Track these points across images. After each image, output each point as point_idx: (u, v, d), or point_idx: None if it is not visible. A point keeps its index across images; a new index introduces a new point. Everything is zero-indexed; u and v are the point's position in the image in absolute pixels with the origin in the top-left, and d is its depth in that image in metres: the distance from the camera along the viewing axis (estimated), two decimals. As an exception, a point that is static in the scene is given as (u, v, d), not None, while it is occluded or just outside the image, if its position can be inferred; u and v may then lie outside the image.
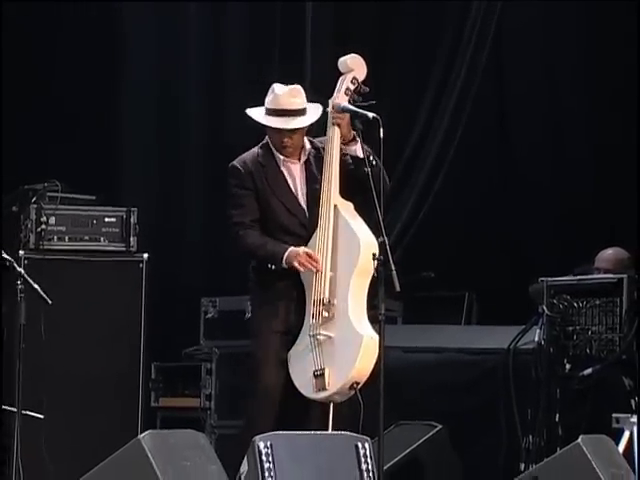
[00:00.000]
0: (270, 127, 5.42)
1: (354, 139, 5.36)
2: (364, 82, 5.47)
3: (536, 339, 6.15)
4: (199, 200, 7.94)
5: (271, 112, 5.41)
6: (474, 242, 7.63)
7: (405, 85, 7.79)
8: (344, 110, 5.39)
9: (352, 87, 5.44)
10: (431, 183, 7.69)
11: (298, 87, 5.48)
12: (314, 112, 5.45)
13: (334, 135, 5.39)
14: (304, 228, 5.43)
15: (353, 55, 5.50)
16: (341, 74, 5.48)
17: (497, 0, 7.71)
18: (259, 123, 5.43)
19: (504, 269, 7.58)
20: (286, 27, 7.97)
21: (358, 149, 5.34)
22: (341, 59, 5.50)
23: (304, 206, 5.46)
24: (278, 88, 5.44)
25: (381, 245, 5.13)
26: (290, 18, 7.96)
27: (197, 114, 8.02)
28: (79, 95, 7.63)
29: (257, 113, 5.45)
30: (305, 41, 7.87)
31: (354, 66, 5.47)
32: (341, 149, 5.39)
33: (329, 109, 5.42)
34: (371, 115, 5.28)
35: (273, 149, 5.48)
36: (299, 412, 5.32)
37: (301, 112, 5.40)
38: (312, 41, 7.86)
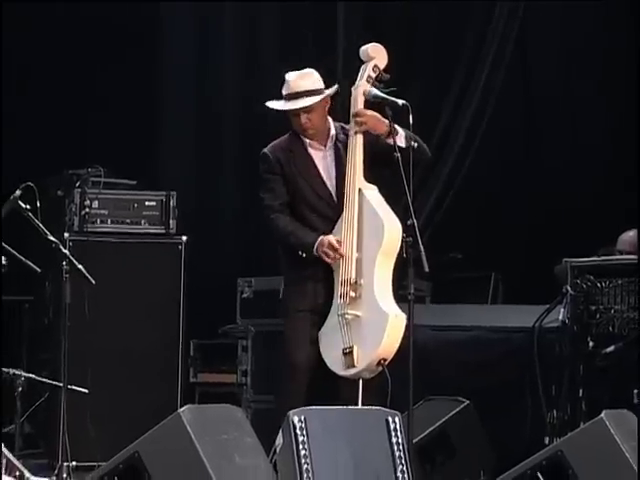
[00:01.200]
0: (280, 110, 5.41)
1: (394, 131, 5.29)
2: (385, 70, 5.44)
3: (560, 318, 6.13)
4: (235, 185, 7.96)
5: (284, 97, 5.43)
6: (500, 225, 7.62)
7: (433, 74, 7.75)
8: (375, 97, 5.37)
9: (374, 75, 5.42)
10: (458, 168, 7.68)
11: (309, 70, 5.47)
12: (329, 90, 5.44)
13: (358, 139, 5.36)
14: (331, 209, 5.42)
15: (374, 44, 5.48)
16: (362, 62, 5.45)
17: (520, 0, 7.66)
18: (276, 110, 5.42)
19: (529, 250, 7.57)
20: (319, 27, 7.94)
21: (399, 140, 5.28)
22: (362, 48, 5.48)
23: (331, 189, 5.45)
24: (289, 75, 5.45)
25: (410, 227, 5.12)
26: (322, 18, 7.93)
27: (233, 101, 8.01)
28: (120, 82, 7.63)
29: (276, 103, 5.45)
30: (337, 40, 7.83)
31: (375, 54, 5.45)
32: (379, 140, 5.35)
33: (368, 90, 5.36)
34: (401, 102, 5.26)
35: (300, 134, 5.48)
36: (330, 388, 5.33)
37: (311, 93, 5.39)
38: (344, 40, 7.81)
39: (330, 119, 5.50)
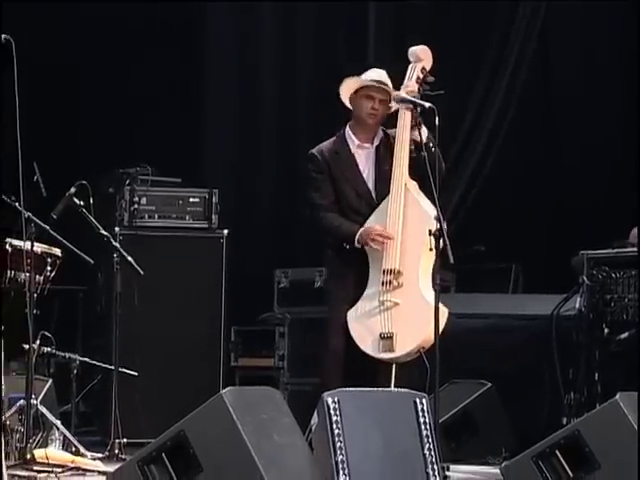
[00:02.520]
0: (366, 87, 5.39)
1: (418, 124, 5.30)
2: (430, 72, 5.44)
3: (577, 306, 6.11)
4: (272, 183, 7.95)
5: (366, 83, 5.41)
6: (521, 219, 7.60)
7: (459, 73, 7.63)
8: (402, 100, 5.37)
9: (421, 76, 5.42)
10: (481, 166, 7.64)
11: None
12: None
13: (406, 121, 5.35)
14: (371, 208, 5.43)
15: (423, 46, 5.48)
16: (409, 63, 5.46)
17: (542, 0, 7.59)
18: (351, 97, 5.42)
19: (548, 243, 7.54)
20: (352, 26, 7.90)
21: (419, 134, 5.29)
22: (411, 49, 5.47)
23: (371, 189, 5.46)
24: (372, 69, 5.48)
25: (436, 221, 5.11)
26: (355, 18, 7.89)
27: (271, 103, 7.99)
28: (167, 86, 7.63)
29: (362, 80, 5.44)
30: (368, 40, 7.79)
31: (423, 56, 5.45)
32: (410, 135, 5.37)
33: (394, 94, 5.36)
34: (427, 105, 5.24)
35: (347, 136, 5.47)
36: (366, 374, 5.33)
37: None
38: (375, 40, 7.78)
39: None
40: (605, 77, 7.54)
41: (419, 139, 5.29)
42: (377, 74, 5.49)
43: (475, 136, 7.73)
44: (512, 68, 7.65)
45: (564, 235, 7.36)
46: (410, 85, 5.39)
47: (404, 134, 5.37)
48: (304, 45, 8.02)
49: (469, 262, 6.94)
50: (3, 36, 3.96)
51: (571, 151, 7.63)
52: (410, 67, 5.43)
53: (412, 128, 5.33)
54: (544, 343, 6.19)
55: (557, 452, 4.76)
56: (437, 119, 5.12)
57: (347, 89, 5.47)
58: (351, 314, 5.36)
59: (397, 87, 5.46)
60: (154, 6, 7.58)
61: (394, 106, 5.42)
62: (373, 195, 5.45)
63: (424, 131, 5.29)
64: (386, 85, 5.46)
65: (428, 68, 5.44)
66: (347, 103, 5.49)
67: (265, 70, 8.01)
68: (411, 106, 5.32)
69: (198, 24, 7.84)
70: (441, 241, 5.04)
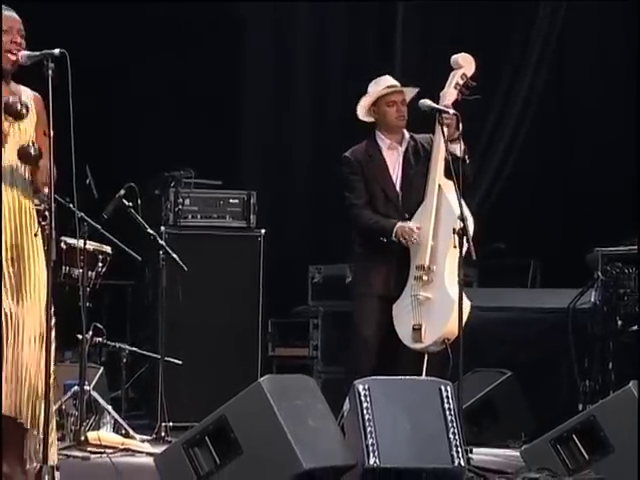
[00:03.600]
0: (384, 95, 5.39)
1: (458, 139, 5.27)
2: (472, 78, 5.39)
3: (592, 300, 6.08)
4: (306, 184, 7.95)
5: (384, 92, 5.40)
6: (539, 218, 7.55)
7: (482, 72, 7.59)
8: (428, 107, 5.32)
9: (461, 82, 5.38)
10: (503, 166, 7.59)
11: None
12: (411, 95, 5.46)
13: (442, 130, 5.29)
14: (397, 212, 5.42)
15: (464, 54, 5.43)
16: (451, 69, 5.43)
17: (562, 0, 7.41)
18: (371, 105, 5.43)
19: (564, 241, 7.49)
20: (381, 26, 7.79)
21: (458, 149, 5.25)
22: (453, 57, 5.42)
23: (399, 190, 5.45)
24: (385, 76, 5.47)
25: (461, 222, 5.10)
26: (384, 18, 7.78)
27: (303, 107, 7.94)
28: (208, 94, 7.64)
29: (382, 87, 5.44)
30: (396, 39, 7.69)
31: (464, 63, 5.40)
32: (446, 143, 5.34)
33: (420, 102, 5.31)
34: (451, 112, 5.23)
35: (378, 139, 5.45)
36: (393, 364, 5.33)
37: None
38: (402, 39, 7.66)
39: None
40: (619, 77, 7.42)
41: (457, 153, 5.24)
42: (385, 80, 5.47)
43: (497, 135, 7.64)
44: (533, 68, 7.52)
45: (580, 233, 7.31)
46: (449, 92, 5.35)
47: (441, 144, 5.32)
48: (335, 46, 7.91)
49: (490, 259, 6.92)
50: (58, 50, 3.99)
51: (585, 151, 7.54)
52: (451, 74, 5.38)
53: (452, 142, 5.28)
54: (561, 334, 6.16)
55: (574, 436, 4.74)
56: (460, 125, 5.10)
57: (365, 105, 5.44)
58: (394, 307, 5.37)
59: (431, 91, 5.42)
60: (193, 12, 7.51)
61: (448, 102, 5.34)
62: (400, 199, 5.44)
63: (461, 146, 5.25)
64: (400, 87, 5.44)
65: (469, 74, 5.37)
66: (366, 118, 5.47)
67: (298, 74, 7.93)
68: (449, 121, 5.26)
69: (238, 27, 7.75)
70: (464, 239, 5.03)
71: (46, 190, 4.02)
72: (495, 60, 7.59)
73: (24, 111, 4.00)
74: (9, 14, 4.08)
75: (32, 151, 3.98)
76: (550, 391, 6.20)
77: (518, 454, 5.10)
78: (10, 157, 4.05)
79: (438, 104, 5.31)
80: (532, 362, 6.27)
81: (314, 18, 7.91)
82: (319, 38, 7.95)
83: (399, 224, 5.32)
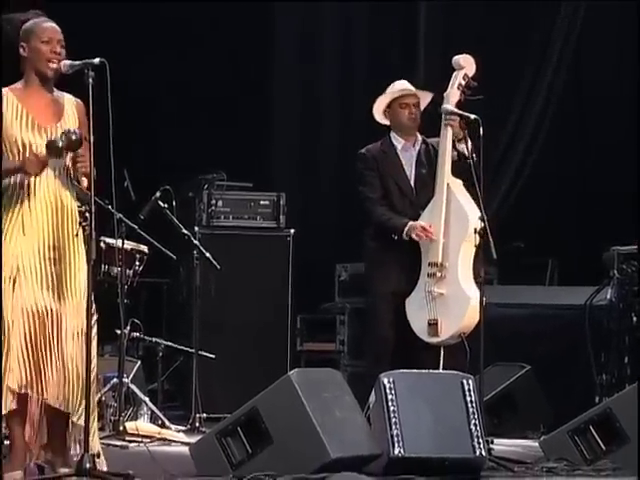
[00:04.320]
0: (402, 96, 5.40)
1: (464, 138, 5.28)
2: (473, 78, 5.37)
3: (608, 297, 6.05)
4: (332, 186, 7.93)
5: (397, 94, 5.41)
6: (557, 218, 7.51)
7: (502, 74, 7.40)
8: (450, 113, 5.33)
9: (463, 82, 5.36)
10: (522, 167, 7.52)
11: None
12: (426, 98, 5.45)
13: (448, 133, 5.31)
14: (412, 206, 5.41)
15: (465, 55, 5.41)
16: (454, 70, 5.40)
17: (582, 0, 7.26)
18: (386, 108, 5.43)
19: (581, 240, 7.44)
20: (404, 26, 7.71)
21: (465, 148, 5.26)
22: (454, 58, 5.40)
23: (414, 189, 5.44)
24: (395, 85, 5.46)
25: (482, 222, 5.08)
26: (407, 18, 7.71)
27: (329, 113, 7.90)
28: (238, 101, 7.66)
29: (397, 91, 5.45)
30: (419, 39, 7.61)
31: (465, 64, 5.38)
32: (453, 144, 5.33)
33: (444, 104, 5.31)
34: (472, 116, 5.21)
35: (392, 139, 5.46)
36: (409, 357, 5.32)
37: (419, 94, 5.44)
38: (425, 39, 7.58)
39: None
40: (637, 77, 7.28)
41: (465, 152, 5.24)
42: (400, 84, 5.49)
43: (518, 135, 7.54)
44: (553, 68, 7.40)
45: (597, 232, 7.26)
46: (452, 92, 5.35)
47: (447, 140, 5.32)
48: (359, 46, 7.83)
49: (510, 257, 6.89)
50: (97, 59, 4.02)
51: (602, 151, 7.46)
52: (453, 75, 5.37)
53: (459, 141, 5.28)
54: (578, 330, 6.13)
55: (591, 427, 4.73)
56: (481, 129, 5.09)
57: (380, 107, 5.46)
58: (407, 303, 5.36)
59: (442, 91, 5.41)
60: (223, 20, 7.49)
61: (447, 118, 5.35)
62: (414, 194, 5.44)
63: (468, 145, 5.24)
64: (413, 90, 5.45)
65: (471, 75, 5.36)
66: (382, 120, 5.48)
67: (324, 74, 7.84)
68: (453, 122, 5.26)
69: (266, 31, 7.71)
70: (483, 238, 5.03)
71: (86, 182, 4.04)
72: (516, 60, 7.49)
73: (64, 150, 3.99)
74: (50, 25, 4.11)
75: (73, 136, 3.99)
76: (568, 384, 6.17)
77: (537, 445, 5.09)
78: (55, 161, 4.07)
79: (442, 105, 5.31)
80: (550, 356, 6.24)
81: (339, 19, 7.83)
82: (344, 38, 7.88)
83: (410, 223, 5.32)
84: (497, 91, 7.29)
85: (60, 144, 3.97)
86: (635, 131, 7.15)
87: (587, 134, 7.59)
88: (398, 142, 5.49)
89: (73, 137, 3.99)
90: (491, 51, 7.35)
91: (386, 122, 5.52)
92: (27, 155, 3.99)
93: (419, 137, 5.49)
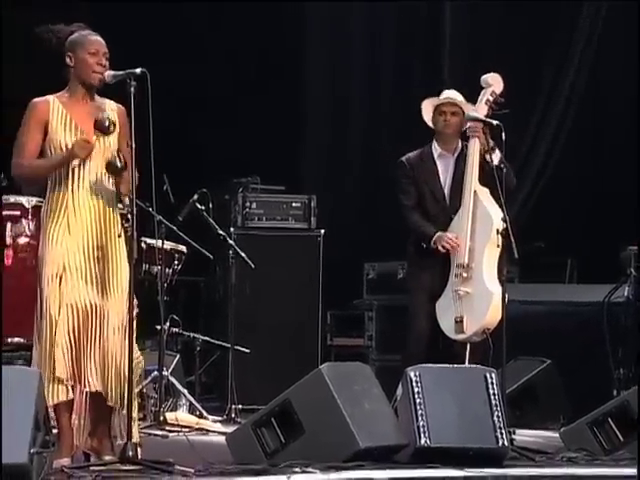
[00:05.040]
0: (442, 103, 5.43)
1: (492, 149, 5.26)
2: (500, 94, 5.40)
3: (625, 294, 6.01)
4: (361, 189, 7.93)
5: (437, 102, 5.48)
6: (576, 219, 7.45)
7: (524, 74, 7.27)
8: (472, 118, 5.34)
9: (491, 99, 5.39)
10: (543, 169, 7.46)
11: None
12: (469, 109, 5.45)
13: (474, 141, 5.35)
14: (444, 213, 5.43)
15: (493, 74, 5.44)
16: (482, 88, 5.43)
17: (604, 0, 7.11)
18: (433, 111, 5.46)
19: (599, 240, 7.38)
20: (429, 26, 7.63)
21: (494, 158, 5.24)
22: (483, 77, 5.44)
23: (447, 194, 5.46)
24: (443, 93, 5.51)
25: (504, 223, 5.09)
26: (432, 18, 7.63)
27: (356, 119, 7.87)
28: (272, 109, 7.64)
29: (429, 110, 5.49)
30: (445, 39, 7.52)
31: (493, 82, 5.42)
32: (481, 154, 5.34)
33: (467, 114, 5.35)
34: (495, 122, 5.21)
35: (433, 148, 5.48)
36: (444, 351, 5.33)
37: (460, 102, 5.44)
38: (450, 39, 7.50)
39: (459, 139, 5.51)
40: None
41: (493, 162, 5.22)
42: (446, 93, 5.51)
43: (540, 136, 7.41)
44: (575, 68, 7.30)
45: (614, 232, 7.20)
46: (480, 107, 5.38)
47: (474, 149, 5.35)
48: (386, 46, 7.77)
49: (531, 257, 6.85)
50: (139, 69, 4.05)
51: (620, 152, 7.37)
52: (482, 92, 5.41)
53: (486, 152, 5.28)
54: (596, 326, 6.09)
55: (609, 419, 4.70)
56: (504, 135, 5.08)
57: (426, 110, 5.50)
58: (438, 303, 5.38)
59: (472, 97, 5.41)
60: (257, 28, 7.44)
61: (470, 128, 5.38)
62: (447, 201, 5.45)
63: (497, 155, 5.24)
64: (454, 99, 5.45)
65: (498, 92, 5.40)
66: (429, 123, 5.51)
67: (353, 86, 7.82)
68: (477, 132, 5.28)
69: (297, 39, 7.68)
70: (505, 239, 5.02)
71: (127, 201, 4.08)
72: (538, 60, 7.35)
73: (112, 128, 4.07)
74: (97, 38, 4.17)
75: (118, 163, 4.04)
76: (586, 378, 6.13)
77: (557, 436, 5.07)
78: (96, 168, 4.12)
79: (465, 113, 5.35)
80: (570, 351, 6.20)
81: (368, 19, 7.77)
82: (372, 39, 7.81)
83: (438, 234, 5.35)
84: (519, 92, 7.22)
85: (119, 164, 4.03)
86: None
87: (604, 134, 7.50)
88: (436, 150, 5.52)
89: (118, 164, 4.03)
90: (513, 51, 7.28)
91: (431, 125, 5.55)
92: (77, 139, 4.02)
93: (459, 145, 5.51)
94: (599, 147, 7.53)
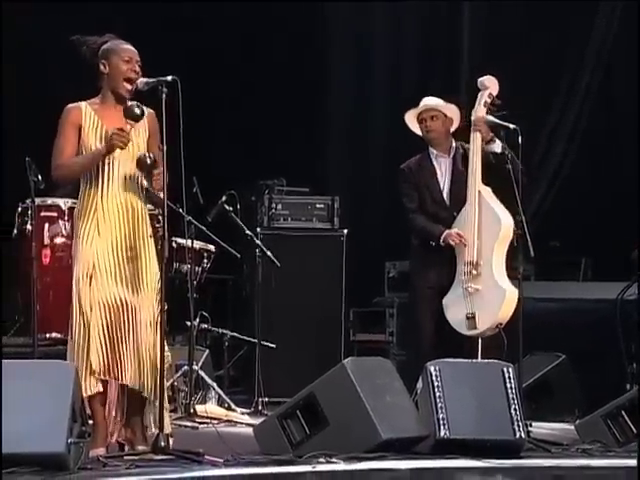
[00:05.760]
0: (419, 114, 5.46)
1: (492, 139, 5.29)
2: (497, 96, 5.39)
3: (637, 292, 5.95)
4: (382, 191, 7.90)
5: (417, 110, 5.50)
6: (590, 219, 7.40)
7: (543, 73, 7.26)
8: (491, 122, 5.32)
9: (489, 100, 5.39)
10: (561, 167, 7.40)
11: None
12: (450, 109, 5.43)
13: (476, 139, 5.34)
14: (445, 211, 5.42)
15: (488, 76, 5.44)
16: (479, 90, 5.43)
17: (619, 0, 6.97)
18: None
19: (612, 240, 7.32)
20: (449, 26, 7.56)
21: (496, 146, 5.28)
22: (479, 80, 5.44)
23: (445, 195, 5.47)
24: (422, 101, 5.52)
25: (519, 222, 5.06)
26: (451, 18, 7.55)
27: (378, 123, 7.82)
28: (297, 114, 7.64)
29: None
30: (463, 38, 7.46)
31: (490, 84, 5.41)
32: (483, 149, 5.33)
33: (472, 118, 5.35)
34: (512, 126, 5.20)
35: (429, 151, 5.49)
36: (453, 346, 5.29)
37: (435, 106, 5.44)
38: (469, 38, 7.43)
39: (452, 138, 5.49)
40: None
41: (496, 150, 5.24)
42: (424, 101, 5.52)
43: (556, 137, 7.39)
44: (591, 68, 7.22)
45: (627, 231, 7.14)
46: (479, 110, 5.37)
47: (476, 149, 5.33)
48: (408, 46, 7.72)
49: (546, 255, 6.81)
50: (170, 77, 4.06)
51: (632, 152, 7.30)
52: (479, 94, 5.41)
53: (487, 143, 5.30)
54: (609, 323, 6.04)
55: (622, 412, 4.67)
56: (520, 138, 5.05)
57: (410, 121, 5.53)
58: (445, 300, 5.35)
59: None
60: (280, 33, 7.42)
61: (480, 126, 5.34)
62: (446, 200, 5.46)
63: (498, 144, 5.25)
64: (429, 106, 5.44)
65: (495, 94, 5.40)
66: (417, 132, 5.54)
67: (375, 87, 7.79)
68: (480, 128, 5.29)
69: (322, 44, 7.64)
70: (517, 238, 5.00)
71: (161, 195, 4.09)
72: (555, 59, 7.24)
73: (141, 114, 4.06)
74: (130, 47, 4.19)
75: (148, 160, 4.06)
76: (600, 373, 6.09)
77: (572, 428, 5.04)
78: (125, 171, 4.13)
79: (473, 116, 5.35)
80: (584, 347, 6.16)
81: (390, 20, 7.70)
82: (394, 40, 7.75)
83: (446, 231, 5.34)
84: (536, 92, 7.16)
85: (149, 161, 4.04)
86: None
87: (618, 134, 7.41)
88: (432, 153, 5.54)
89: (148, 161, 4.05)
90: (531, 51, 7.21)
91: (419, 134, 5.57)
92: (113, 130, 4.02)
93: (453, 145, 5.50)
94: (612, 147, 7.45)
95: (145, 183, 4.12)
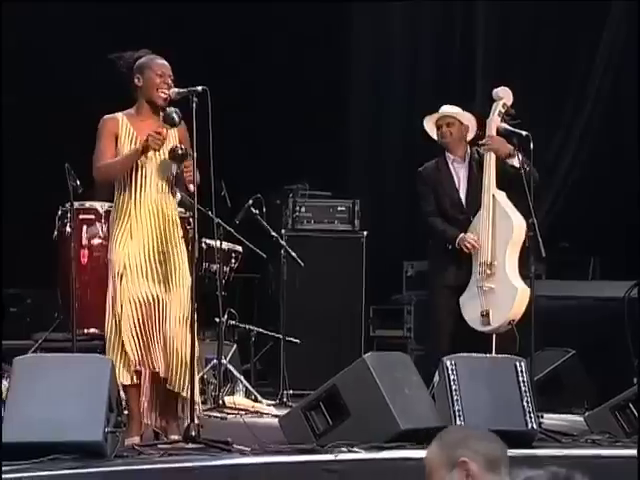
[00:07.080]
0: (437, 119, 5.45)
1: (512, 154, 5.26)
2: (511, 106, 5.37)
3: (642, 291, 5.92)
4: (401, 194, 7.87)
5: (434, 118, 5.48)
6: (599, 220, 7.35)
7: (555, 75, 7.15)
8: (505, 131, 5.32)
9: (503, 110, 5.36)
10: (570, 172, 7.36)
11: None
12: (466, 117, 5.42)
13: (490, 158, 5.31)
14: (462, 214, 5.41)
15: (503, 87, 5.42)
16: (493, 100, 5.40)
17: (630, 0, 6.79)
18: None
19: (620, 238, 7.28)
20: (463, 26, 7.45)
21: (515, 161, 5.25)
22: (494, 91, 5.41)
23: (463, 198, 5.45)
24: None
25: (531, 224, 5.05)
26: (466, 18, 7.44)
27: (395, 126, 7.78)
28: (320, 120, 7.62)
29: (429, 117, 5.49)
30: (477, 38, 7.36)
31: (504, 95, 5.39)
32: (504, 160, 5.31)
33: (487, 130, 5.33)
34: (524, 133, 5.19)
35: (446, 156, 5.47)
36: (467, 342, 5.29)
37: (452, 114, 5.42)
38: (485, 37, 7.33)
39: (468, 145, 5.48)
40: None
41: (515, 164, 5.22)
42: (442, 109, 5.49)
43: (569, 137, 7.30)
44: (603, 69, 7.02)
45: (634, 233, 7.09)
46: (494, 119, 5.36)
47: (490, 161, 5.32)
48: (425, 46, 7.64)
49: (557, 256, 6.77)
50: (200, 87, 4.09)
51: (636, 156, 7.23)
52: (494, 105, 5.39)
53: (508, 157, 5.27)
54: (617, 320, 5.99)
55: (630, 405, 4.64)
56: (531, 144, 5.04)
57: (428, 127, 5.50)
58: (462, 298, 5.34)
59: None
60: (299, 45, 7.42)
61: (492, 130, 5.33)
62: (464, 203, 5.45)
63: (518, 158, 5.21)
64: (445, 113, 5.43)
65: (509, 104, 5.37)
66: (434, 137, 5.52)
67: (394, 88, 7.74)
68: (491, 147, 5.27)
69: (343, 50, 7.60)
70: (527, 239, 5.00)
71: (192, 187, 4.11)
72: (566, 61, 7.14)
73: (176, 118, 4.10)
74: (163, 62, 4.25)
75: (180, 151, 4.10)
76: (608, 367, 6.05)
77: (582, 419, 5.01)
78: (157, 177, 4.17)
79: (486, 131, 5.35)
80: (593, 343, 6.13)
81: (408, 21, 7.64)
82: (411, 40, 7.68)
83: (461, 235, 5.34)
84: (548, 93, 7.10)
85: (180, 152, 4.08)
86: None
87: (626, 135, 7.34)
88: (449, 157, 5.52)
89: (179, 152, 4.08)
90: (541, 52, 7.14)
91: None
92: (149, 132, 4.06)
93: (469, 150, 5.48)
94: (621, 148, 7.38)
95: (175, 170, 4.13)
